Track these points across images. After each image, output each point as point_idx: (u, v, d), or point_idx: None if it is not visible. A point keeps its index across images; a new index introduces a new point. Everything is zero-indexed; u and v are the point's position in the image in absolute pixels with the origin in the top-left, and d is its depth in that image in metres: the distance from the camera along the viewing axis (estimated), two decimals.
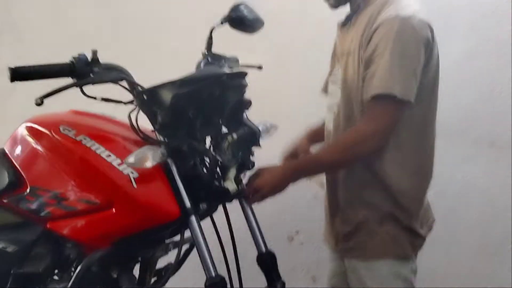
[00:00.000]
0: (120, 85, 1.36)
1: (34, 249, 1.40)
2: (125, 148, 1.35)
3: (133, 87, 1.35)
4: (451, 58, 2.16)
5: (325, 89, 1.74)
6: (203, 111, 1.34)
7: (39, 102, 1.18)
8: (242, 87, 1.39)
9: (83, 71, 1.26)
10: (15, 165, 1.46)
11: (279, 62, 2.28)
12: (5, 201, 1.42)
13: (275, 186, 1.45)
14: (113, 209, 1.31)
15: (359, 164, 1.52)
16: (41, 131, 1.43)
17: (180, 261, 1.50)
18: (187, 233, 1.39)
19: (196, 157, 1.35)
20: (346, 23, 1.62)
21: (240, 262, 1.47)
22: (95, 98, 1.30)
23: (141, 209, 1.30)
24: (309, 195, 2.30)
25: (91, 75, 1.27)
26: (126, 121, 1.37)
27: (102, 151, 1.32)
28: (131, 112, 1.33)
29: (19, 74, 1.20)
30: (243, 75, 1.39)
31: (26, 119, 1.50)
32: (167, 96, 1.28)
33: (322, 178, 1.71)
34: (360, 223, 1.54)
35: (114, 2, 2.54)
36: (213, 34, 1.51)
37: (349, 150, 1.49)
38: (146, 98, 1.32)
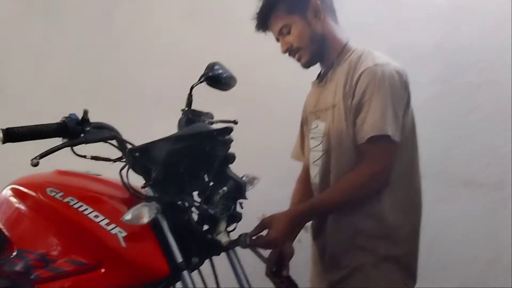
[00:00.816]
0: (110, 143, 1.38)
1: None
2: (113, 208, 1.36)
3: (123, 145, 1.38)
4: (421, 100, 2.25)
5: (296, 154, 1.82)
6: (193, 167, 1.38)
7: (36, 163, 1.19)
8: (228, 142, 1.44)
9: (75, 130, 1.28)
10: (0, 228, 1.45)
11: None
12: None
13: (286, 234, 1.46)
14: (102, 270, 1.31)
15: (349, 208, 1.56)
16: (27, 193, 1.43)
17: None
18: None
19: (189, 212, 1.38)
20: (321, 79, 1.70)
21: None
22: (84, 156, 1.32)
23: (131, 268, 1.30)
24: None
25: (82, 134, 1.30)
26: (113, 178, 1.40)
27: (90, 212, 1.33)
28: (122, 169, 1.35)
29: (11, 135, 1.21)
30: (229, 130, 1.44)
31: (11, 182, 1.51)
32: (161, 152, 1.32)
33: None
34: (355, 268, 1.55)
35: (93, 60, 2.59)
36: (192, 92, 1.55)
37: (354, 191, 1.53)
38: (140, 155, 1.35)
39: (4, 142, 1.21)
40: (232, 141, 1.44)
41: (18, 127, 1.23)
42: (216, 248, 1.41)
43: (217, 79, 1.54)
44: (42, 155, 1.21)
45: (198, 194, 1.45)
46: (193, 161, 1.37)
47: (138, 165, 1.36)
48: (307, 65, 1.67)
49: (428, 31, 2.36)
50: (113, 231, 1.31)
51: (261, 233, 1.45)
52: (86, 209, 1.33)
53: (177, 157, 1.34)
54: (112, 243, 1.30)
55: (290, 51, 1.66)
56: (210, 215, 1.39)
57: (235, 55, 2.19)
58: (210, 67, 1.54)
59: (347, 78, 1.56)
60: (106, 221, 1.32)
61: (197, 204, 1.39)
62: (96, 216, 1.32)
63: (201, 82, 1.54)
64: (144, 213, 1.29)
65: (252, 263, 1.57)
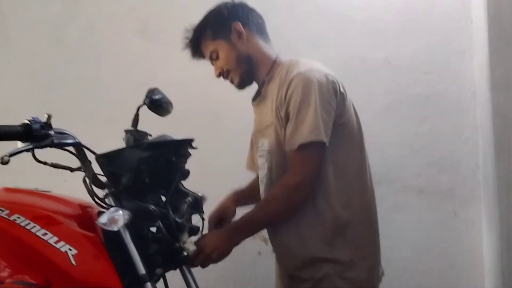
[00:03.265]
0: (69, 151, 1.38)
1: None
2: (63, 225, 1.32)
3: (84, 154, 1.38)
4: (373, 111, 2.31)
5: (249, 166, 1.83)
6: (157, 176, 1.38)
7: (7, 161, 1.18)
8: (189, 155, 1.47)
9: (39, 134, 1.26)
10: None
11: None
12: None
13: (221, 249, 1.49)
14: None
15: (306, 221, 1.56)
16: None
17: None
18: None
19: (158, 220, 1.37)
20: (256, 98, 1.73)
21: None
22: (45, 163, 1.32)
23: (81, 286, 1.25)
24: (253, 252, 2.31)
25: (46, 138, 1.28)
26: (63, 195, 1.38)
27: (38, 230, 1.28)
28: (85, 177, 1.36)
29: None
30: (192, 141, 1.47)
31: None
32: (131, 158, 1.33)
33: (265, 233, 1.75)
34: (320, 279, 1.54)
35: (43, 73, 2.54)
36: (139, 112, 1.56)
37: (280, 205, 1.55)
38: (108, 161, 1.34)
39: None
40: (190, 155, 1.47)
41: None
42: (183, 258, 1.41)
43: (157, 104, 1.55)
44: (12, 154, 1.20)
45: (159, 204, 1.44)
46: (158, 171, 1.38)
47: (105, 171, 1.35)
48: (240, 86, 1.71)
49: (378, 44, 2.42)
50: (63, 249, 1.26)
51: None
52: (34, 227, 1.29)
53: (146, 165, 1.34)
54: (62, 261, 1.25)
55: (222, 74, 1.70)
56: (178, 224, 1.38)
57: (188, 73, 2.19)
58: (151, 92, 1.55)
59: (278, 92, 1.58)
60: (55, 239, 1.27)
61: (166, 212, 1.38)
62: (45, 234, 1.28)
63: (143, 105, 1.55)
64: (119, 218, 1.27)
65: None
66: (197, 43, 1.70)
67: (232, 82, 1.71)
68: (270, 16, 2.47)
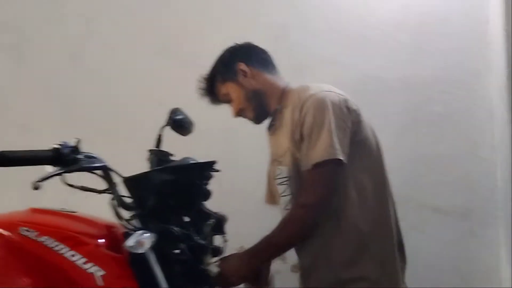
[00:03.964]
0: (96, 174, 1.40)
1: None
2: (90, 246, 1.34)
3: (111, 177, 1.40)
4: (390, 131, 2.33)
5: (267, 199, 1.83)
6: (180, 199, 1.41)
7: (38, 186, 1.21)
8: (211, 177, 1.48)
9: (68, 158, 1.29)
10: None
11: None
12: None
13: (241, 273, 1.51)
14: None
15: (331, 241, 1.57)
16: None
17: None
18: None
19: (181, 243, 1.38)
20: (271, 127, 1.76)
21: None
22: (74, 186, 1.35)
23: None
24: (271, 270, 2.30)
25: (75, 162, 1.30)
26: (88, 215, 1.43)
27: (66, 251, 1.30)
28: (112, 199, 1.38)
29: (5, 160, 1.21)
30: (214, 164, 1.49)
31: None
32: (155, 182, 1.36)
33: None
34: None
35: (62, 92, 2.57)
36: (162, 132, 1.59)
37: (298, 225, 1.56)
38: (134, 184, 1.38)
39: None
40: (212, 177, 1.49)
41: (10, 151, 1.22)
42: (203, 280, 1.42)
43: (180, 124, 1.60)
44: (43, 179, 1.22)
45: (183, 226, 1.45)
46: (181, 193, 1.41)
47: (131, 193, 1.38)
48: (256, 121, 1.78)
49: (393, 64, 2.44)
50: (90, 270, 1.28)
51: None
52: (63, 248, 1.31)
53: (170, 188, 1.37)
54: (89, 283, 1.27)
55: (239, 114, 1.77)
56: (201, 246, 1.40)
57: None
58: (173, 112, 1.59)
59: (292, 116, 1.61)
60: (83, 260, 1.29)
61: (190, 234, 1.40)
62: (73, 255, 1.30)
63: (165, 126, 1.60)
64: (145, 241, 1.29)
65: None
66: (211, 90, 1.78)
67: (249, 119, 1.78)
68: (285, 36, 2.53)
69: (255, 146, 1.99)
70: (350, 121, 1.57)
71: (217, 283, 1.48)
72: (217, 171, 1.51)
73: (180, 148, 1.57)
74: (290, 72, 2.45)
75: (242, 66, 1.72)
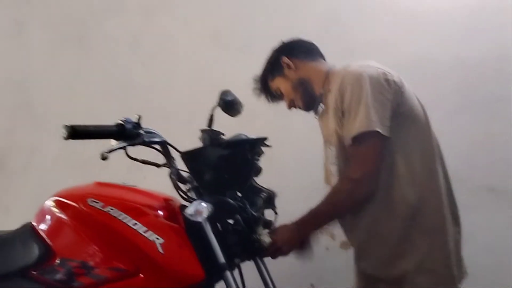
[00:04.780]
0: (156, 149, 1.49)
1: None
2: (150, 216, 1.44)
3: (169, 151, 1.50)
4: (443, 111, 2.31)
5: (325, 180, 1.85)
6: (234, 173, 1.48)
7: (106, 156, 1.31)
8: (261, 154, 1.56)
9: (131, 133, 1.38)
10: (43, 238, 1.51)
11: None
12: (35, 273, 1.46)
13: (291, 243, 1.56)
14: (141, 275, 1.37)
15: (381, 215, 1.59)
16: (69, 204, 1.50)
17: None
18: None
19: (237, 213, 1.47)
20: (317, 112, 1.83)
21: None
22: (136, 159, 1.44)
23: (168, 274, 1.36)
24: (320, 247, 2.33)
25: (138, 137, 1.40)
26: (147, 189, 1.52)
27: (129, 220, 1.40)
28: (171, 173, 1.48)
29: (75, 133, 1.29)
30: (265, 140, 1.57)
31: (53, 194, 1.58)
32: (212, 156, 1.44)
33: (332, 229, 1.79)
34: (397, 278, 1.57)
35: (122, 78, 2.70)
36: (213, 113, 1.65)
37: (345, 198, 1.60)
38: (191, 158, 1.46)
39: (67, 138, 1.28)
40: (263, 153, 1.56)
41: (81, 125, 1.30)
42: (260, 249, 1.50)
43: (230, 105, 1.65)
44: (110, 151, 1.32)
45: (237, 199, 1.53)
46: (235, 167, 1.48)
47: (189, 167, 1.47)
48: (306, 109, 1.85)
49: (446, 43, 2.40)
50: (151, 238, 1.37)
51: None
52: (125, 217, 1.41)
53: (225, 162, 1.45)
54: (150, 250, 1.37)
55: (291, 105, 1.85)
56: (254, 217, 1.47)
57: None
58: (224, 93, 1.65)
59: (335, 97, 1.64)
60: (144, 229, 1.39)
61: (244, 206, 1.48)
62: (135, 224, 1.40)
63: (216, 106, 1.65)
64: (203, 210, 1.37)
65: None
66: (266, 89, 1.88)
67: (299, 108, 1.84)
68: (336, 20, 2.55)
69: (306, 126, 2.03)
70: (391, 94, 1.57)
71: (268, 253, 1.54)
72: (269, 146, 1.57)
73: (234, 129, 1.64)
74: (342, 56, 2.49)
75: (285, 59, 1.80)
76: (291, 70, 1.80)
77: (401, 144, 1.58)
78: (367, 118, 1.52)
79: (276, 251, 1.54)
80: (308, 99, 1.80)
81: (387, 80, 1.58)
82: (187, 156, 1.47)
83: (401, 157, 1.58)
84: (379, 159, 1.56)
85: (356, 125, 1.53)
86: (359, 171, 1.56)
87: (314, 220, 1.63)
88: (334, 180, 1.72)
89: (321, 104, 1.80)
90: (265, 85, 1.88)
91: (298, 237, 1.59)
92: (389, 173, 1.58)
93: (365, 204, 1.60)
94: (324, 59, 1.86)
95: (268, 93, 1.89)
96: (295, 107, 1.85)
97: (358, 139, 1.54)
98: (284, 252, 1.56)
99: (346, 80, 1.59)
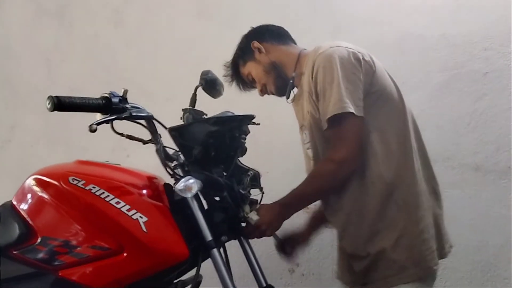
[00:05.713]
0: (140, 123, 1.47)
1: None
2: (133, 194, 1.42)
3: (155, 127, 1.47)
4: (430, 88, 2.30)
5: (306, 167, 1.84)
6: (221, 150, 1.47)
7: (95, 129, 1.28)
8: (247, 133, 1.54)
9: (118, 107, 1.35)
10: (24, 217, 1.48)
11: None
12: (15, 252, 1.44)
13: (273, 224, 1.56)
14: (124, 254, 1.35)
15: (359, 195, 1.59)
16: (50, 183, 1.47)
17: None
18: (190, 274, 1.48)
19: (225, 191, 1.45)
20: (289, 96, 1.80)
21: None
22: (122, 134, 1.40)
23: (151, 252, 1.35)
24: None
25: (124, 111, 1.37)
26: (131, 167, 1.49)
27: (111, 199, 1.38)
28: (157, 149, 1.45)
29: (60, 104, 1.25)
30: (253, 118, 1.56)
31: (33, 172, 1.55)
32: (200, 132, 1.43)
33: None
34: (376, 254, 1.57)
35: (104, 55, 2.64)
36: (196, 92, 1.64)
37: (327, 179, 1.59)
38: (178, 134, 1.44)
39: (52, 109, 1.24)
40: (249, 132, 1.55)
41: (66, 96, 1.27)
42: (244, 227, 1.50)
43: (211, 85, 1.64)
44: (98, 123, 1.30)
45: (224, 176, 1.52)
46: (222, 145, 1.47)
47: (177, 143, 1.45)
48: (278, 93, 1.82)
49: (434, 21, 2.38)
50: (134, 217, 1.36)
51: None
52: (108, 196, 1.38)
53: (213, 139, 1.43)
54: (133, 228, 1.35)
55: (263, 91, 1.83)
56: (242, 195, 1.46)
57: None
58: (205, 73, 1.64)
59: (308, 80, 1.62)
60: (127, 207, 1.37)
61: (231, 183, 1.47)
62: (118, 203, 1.37)
63: (199, 86, 1.64)
64: (193, 186, 1.36)
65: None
66: (237, 75, 1.87)
67: (271, 93, 1.82)
68: None
69: (290, 108, 2.01)
70: (362, 73, 1.56)
71: (251, 232, 1.53)
72: (257, 124, 1.55)
73: (218, 110, 1.61)
74: (329, 34, 2.47)
75: (256, 44, 1.78)
76: (262, 54, 1.78)
77: (376, 123, 1.58)
78: (339, 100, 1.51)
79: (257, 231, 1.53)
80: (280, 83, 1.79)
81: (357, 59, 1.57)
82: (174, 131, 1.45)
83: (376, 135, 1.58)
84: (359, 138, 1.55)
85: (330, 108, 1.52)
86: (341, 152, 1.54)
87: (296, 202, 1.62)
88: (312, 164, 1.72)
89: (295, 88, 1.79)
90: (237, 71, 1.86)
91: (281, 219, 1.58)
92: (365, 152, 1.57)
93: (345, 184, 1.60)
94: (295, 43, 1.85)
95: (240, 80, 1.87)
96: (267, 93, 1.83)
97: (334, 121, 1.53)
98: (266, 234, 1.55)
99: (317, 62, 1.58)
